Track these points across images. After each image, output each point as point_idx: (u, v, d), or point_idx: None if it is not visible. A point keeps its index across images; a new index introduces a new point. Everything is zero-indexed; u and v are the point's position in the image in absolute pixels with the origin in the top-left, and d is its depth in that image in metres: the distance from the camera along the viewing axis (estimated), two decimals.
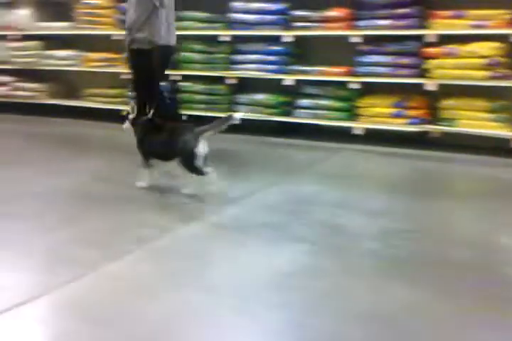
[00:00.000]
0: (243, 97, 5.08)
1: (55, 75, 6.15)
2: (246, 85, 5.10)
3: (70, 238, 2.35)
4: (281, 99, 4.96)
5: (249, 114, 4.73)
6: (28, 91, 6.19)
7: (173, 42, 3.81)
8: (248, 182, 3.35)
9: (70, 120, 5.73)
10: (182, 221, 2.61)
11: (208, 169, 2.84)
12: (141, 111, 3.34)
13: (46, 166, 3.77)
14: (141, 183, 3.13)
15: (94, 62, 5.77)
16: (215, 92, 5.19)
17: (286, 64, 4.89)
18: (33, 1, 6.11)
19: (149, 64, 3.62)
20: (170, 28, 3.74)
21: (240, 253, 2.22)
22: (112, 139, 4.63)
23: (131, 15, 3.67)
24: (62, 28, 5.90)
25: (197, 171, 2.82)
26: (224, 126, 2.92)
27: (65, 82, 6.29)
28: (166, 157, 3.03)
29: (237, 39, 5.02)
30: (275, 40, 4.82)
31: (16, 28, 6.14)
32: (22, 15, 6.16)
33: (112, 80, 5.69)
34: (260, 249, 2.29)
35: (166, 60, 3.83)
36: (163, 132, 3.04)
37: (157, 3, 3.56)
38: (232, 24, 5.01)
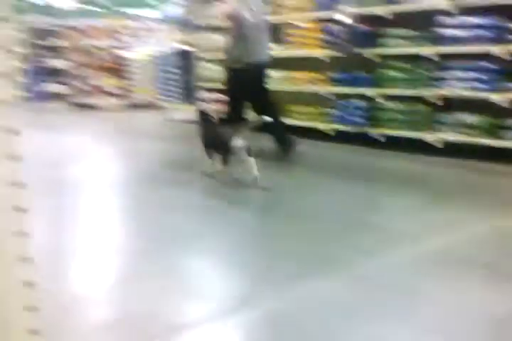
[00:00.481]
0: (447, 117, 4.81)
1: None
2: (451, 104, 4.82)
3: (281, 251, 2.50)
4: (492, 119, 4.56)
5: (454, 135, 4.48)
6: None
7: (262, 60, 4.49)
8: (454, 212, 3.10)
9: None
10: (385, 245, 2.56)
11: (245, 158, 3.49)
12: (231, 117, 4.36)
13: None
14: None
15: (299, 81, 6.05)
16: (416, 112, 5.02)
17: (498, 81, 4.50)
18: None
19: (241, 80, 4.42)
20: (259, 48, 4.43)
21: (449, 290, 2.08)
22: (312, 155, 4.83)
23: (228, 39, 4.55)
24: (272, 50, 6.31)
25: (227, 159, 3.58)
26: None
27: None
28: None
29: (442, 56, 4.78)
30: (485, 55, 4.47)
31: None
32: None
33: (315, 99, 5.90)
34: (473, 289, 2.09)
35: (257, 76, 4.53)
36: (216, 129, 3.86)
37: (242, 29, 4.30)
38: (437, 40, 4.80)
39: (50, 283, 1.98)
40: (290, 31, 6.06)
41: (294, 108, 6.18)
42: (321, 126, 5.71)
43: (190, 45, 7.56)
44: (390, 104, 5.16)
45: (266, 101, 4.66)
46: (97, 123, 8.01)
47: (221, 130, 3.83)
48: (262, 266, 2.33)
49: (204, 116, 4.07)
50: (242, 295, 2.03)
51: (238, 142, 3.51)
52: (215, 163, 3.77)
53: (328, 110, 5.71)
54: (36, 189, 3.48)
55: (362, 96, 5.37)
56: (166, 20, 8.60)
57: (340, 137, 5.51)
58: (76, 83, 9.97)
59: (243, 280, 2.21)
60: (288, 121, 6.08)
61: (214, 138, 3.82)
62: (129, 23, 10.48)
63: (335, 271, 2.25)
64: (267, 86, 4.76)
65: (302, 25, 5.92)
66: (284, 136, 4.61)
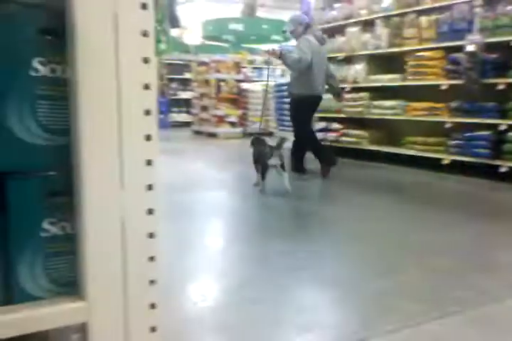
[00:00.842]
0: None
1: (379, 124, 6.58)
2: None
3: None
4: None
5: None
6: (353, 138, 6.75)
7: (318, 93, 5.23)
8: None
9: (389, 166, 6.01)
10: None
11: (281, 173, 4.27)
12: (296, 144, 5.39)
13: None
14: None
15: (417, 111, 5.92)
16: None
17: None
18: (368, 57, 6.70)
19: (301, 110, 5.27)
20: (317, 83, 5.17)
21: None
22: (428, 186, 4.65)
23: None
24: (391, 80, 6.28)
25: (263, 176, 4.28)
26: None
27: (387, 130, 6.65)
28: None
29: None
30: None
31: (351, 81, 6.83)
32: (357, 70, 6.81)
33: (434, 129, 5.74)
34: None
35: (313, 107, 5.35)
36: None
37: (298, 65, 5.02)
38: None
39: None
40: (413, 62, 5.98)
41: (412, 138, 6.04)
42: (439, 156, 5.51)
43: None
44: None
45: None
46: (215, 150, 8.37)
47: (262, 149, 4.42)
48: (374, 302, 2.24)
49: (257, 137, 4.70)
50: None
51: (274, 160, 4.23)
52: (258, 176, 4.49)
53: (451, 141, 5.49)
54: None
55: (488, 127, 5.12)
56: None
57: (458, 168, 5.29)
58: (200, 113, 10.62)
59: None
60: (404, 151, 6.01)
61: (258, 156, 4.48)
62: (252, 57, 11.03)
63: None
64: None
65: (425, 54, 5.82)
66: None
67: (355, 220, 3.57)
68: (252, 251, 2.83)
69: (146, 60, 0.77)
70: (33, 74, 0.73)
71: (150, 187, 0.80)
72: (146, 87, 0.78)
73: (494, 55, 5.09)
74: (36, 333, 0.76)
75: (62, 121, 0.76)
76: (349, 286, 2.31)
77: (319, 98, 5.30)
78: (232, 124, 10.16)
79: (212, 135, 10.06)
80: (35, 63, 0.73)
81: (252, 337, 1.83)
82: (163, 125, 11.15)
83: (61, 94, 0.75)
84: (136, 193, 0.79)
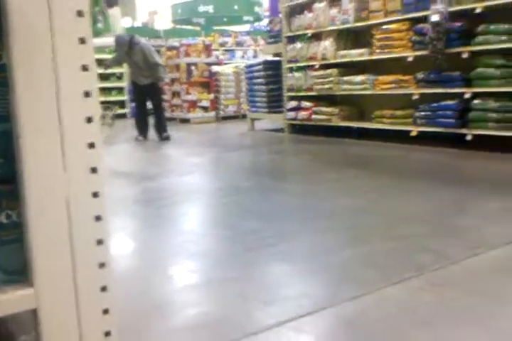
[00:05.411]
0: None
1: (349, 99, 6.53)
2: None
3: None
4: None
5: None
6: (324, 115, 6.69)
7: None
8: None
9: (361, 141, 5.98)
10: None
11: None
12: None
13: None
14: None
15: (385, 84, 5.87)
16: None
17: None
18: (336, 32, 6.62)
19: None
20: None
21: None
22: (397, 158, 4.62)
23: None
24: (359, 55, 6.22)
25: None
26: None
27: (357, 106, 6.61)
28: None
29: None
30: None
31: (319, 58, 6.75)
32: (326, 46, 6.73)
33: (402, 101, 5.71)
34: None
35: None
36: None
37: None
38: None
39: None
40: (380, 35, 5.92)
41: (381, 112, 6.01)
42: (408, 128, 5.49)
43: (278, 55, 7.66)
44: (483, 103, 4.83)
45: None
46: (190, 135, 8.28)
47: None
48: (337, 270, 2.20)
49: None
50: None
51: None
52: None
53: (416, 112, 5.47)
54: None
55: (454, 97, 5.09)
56: (255, 32, 8.79)
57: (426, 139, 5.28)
58: (171, 99, 10.45)
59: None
60: (374, 125, 5.98)
61: None
62: (222, 39, 10.86)
63: None
64: None
65: (391, 27, 5.76)
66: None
67: (325, 194, 3.53)
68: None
69: (82, 41, 0.76)
70: None
71: (94, 170, 0.80)
72: (84, 68, 0.77)
73: (459, 24, 5.04)
74: None
75: (2, 107, 0.76)
76: (313, 259, 2.28)
77: None
78: (205, 109, 10.04)
79: (185, 120, 9.93)
80: None
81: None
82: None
83: (1, 80, 0.75)
84: (80, 176, 0.79)
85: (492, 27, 4.79)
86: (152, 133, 7.18)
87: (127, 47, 6.97)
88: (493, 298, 1.81)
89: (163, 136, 7.09)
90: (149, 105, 7.41)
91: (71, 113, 0.77)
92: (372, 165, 4.66)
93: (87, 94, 0.78)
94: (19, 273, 0.78)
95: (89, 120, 0.79)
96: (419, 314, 1.70)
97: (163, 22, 13.22)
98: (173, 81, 10.37)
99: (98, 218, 0.81)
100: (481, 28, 4.86)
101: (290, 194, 3.60)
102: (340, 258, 2.26)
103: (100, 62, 7.75)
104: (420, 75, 5.43)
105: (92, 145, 0.79)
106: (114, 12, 9.43)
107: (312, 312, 1.73)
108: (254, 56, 10.74)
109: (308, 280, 2.07)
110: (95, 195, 0.80)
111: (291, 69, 7.27)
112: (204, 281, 2.09)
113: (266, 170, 4.74)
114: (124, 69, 11.00)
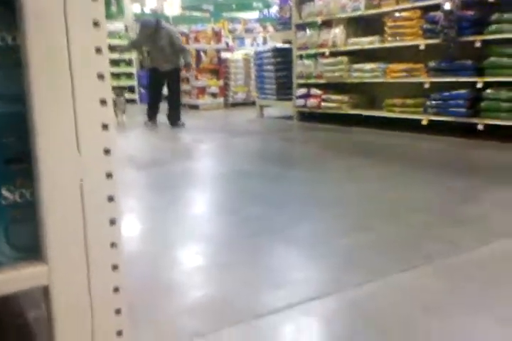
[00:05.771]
0: None
1: (359, 87, 6.48)
2: None
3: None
4: None
5: None
6: (334, 103, 6.65)
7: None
8: None
9: (370, 129, 5.94)
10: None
11: None
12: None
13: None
14: None
15: (396, 72, 5.82)
16: None
17: None
18: (346, 20, 6.56)
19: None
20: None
21: None
22: (407, 147, 4.60)
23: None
24: (370, 42, 6.16)
25: None
26: None
27: (367, 94, 6.56)
28: None
29: None
30: None
31: (330, 46, 6.70)
32: (336, 33, 6.67)
33: (413, 90, 5.66)
34: None
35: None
36: None
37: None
38: None
39: None
40: (391, 23, 5.85)
41: (391, 101, 5.96)
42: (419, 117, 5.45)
43: (289, 42, 7.60)
44: (495, 93, 4.78)
45: None
46: (199, 121, 8.27)
47: None
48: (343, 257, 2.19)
49: None
50: None
51: None
52: None
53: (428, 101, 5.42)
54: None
55: (465, 86, 5.04)
56: (265, 19, 8.73)
57: (437, 128, 5.24)
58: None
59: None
60: (384, 114, 5.94)
61: None
62: (231, 25, 10.79)
63: None
64: None
65: (403, 14, 5.69)
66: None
67: (333, 181, 3.53)
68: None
69: (96, 23, 0.77)
70: None
71: (107, 152, 0.81)
72: (98, 50, 0.78)
73: (471, 13, 4.97)
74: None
75: (16, 88, 0.76)
76: (321, 244, 2.28)
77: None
78: (214, 95, 10.01)
79: (194, 107, 9.92)
80: None
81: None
82: (146, 99, 10.95)
83: (13, 61, 0.75)
84: (94, 157, 0.80)
85: (506, 16, 4.72)
86: (161, 118, 7.17)
87: (153, 31, 6.74)
88: (503, 286, 1.81)
89: (178, 123, 7.03)
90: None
91: (85, 94, 0.77)
92: (381, 153, 4.63)
93: (100, 77, 0.79)
94: (32, 251, 0.79)
95: (103, 102, 0.79)
96: (427, 301, 1.71)
97: (172, 8, 13.16)
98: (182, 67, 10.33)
99: (111, 198, 0.82)
100: (494, 16, 4.79)
101: (298, 180, 3.61)
102: (348, 244, 2.27)
103: (113, 48, 7.74)
104: (432, 64, 5.37)
105: (105, 127, 0.80)
106: None
107: (321, 296, 1.75)
108: (264, 43, 10.66)
109: (316, 265, 2.08)
110: (109, 175, 0.81)
111: (301, 57, 7.22)
112: (212, 264, 2.10)
113: (274, 157, 4.73)
114: (133, 55, 10.98)
